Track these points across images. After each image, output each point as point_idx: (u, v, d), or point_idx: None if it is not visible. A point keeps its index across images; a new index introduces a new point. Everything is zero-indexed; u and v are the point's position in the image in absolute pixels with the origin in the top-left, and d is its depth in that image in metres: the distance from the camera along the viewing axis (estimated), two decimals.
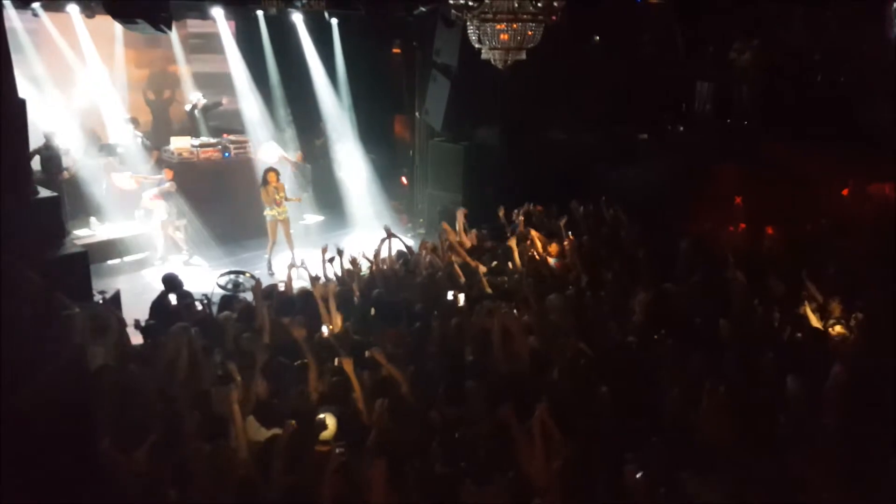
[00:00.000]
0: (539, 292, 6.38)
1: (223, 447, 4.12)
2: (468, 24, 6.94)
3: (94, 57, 11.68)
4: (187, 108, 13.46)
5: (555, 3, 6.54)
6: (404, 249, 8.42)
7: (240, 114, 13.18)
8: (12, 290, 5.25)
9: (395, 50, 13.88)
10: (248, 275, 9.18)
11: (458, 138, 12.17)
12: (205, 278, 9.93)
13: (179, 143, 12.20)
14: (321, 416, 4.44)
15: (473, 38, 7.00)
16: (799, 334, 5.75)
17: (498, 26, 6.75)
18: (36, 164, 10.51)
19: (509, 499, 3.69)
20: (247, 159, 12.58)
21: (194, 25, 13.28)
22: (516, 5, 6.52)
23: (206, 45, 13.65)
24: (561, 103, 11.70)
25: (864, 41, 10.38)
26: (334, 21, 13.13)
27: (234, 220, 12.08)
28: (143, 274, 10.93)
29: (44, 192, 8.08)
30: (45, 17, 10.79)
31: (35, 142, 10.16)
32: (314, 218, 13.12)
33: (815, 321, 6.00)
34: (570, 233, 8.26)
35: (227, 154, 12.46)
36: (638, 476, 3.62)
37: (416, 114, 13.02)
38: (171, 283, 7.07)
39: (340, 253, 7.63)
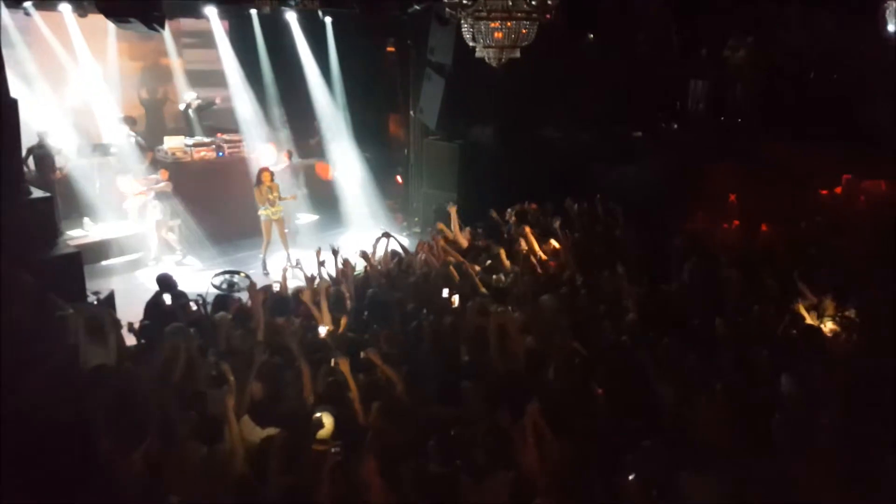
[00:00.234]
0: (534, 291, 6.38)
1: (219, 448, 4.11)
2: (462, 22, 6.92)
3: (87, 55, 11.63)
4: (181, 107, 13.40)
5: (549, 1, 6.52)
6: (399, 249, 8.41)
7: (234, 113, 13.13)
8: (5, 290, 5.22)
9: (390, 48, 13.84)
10: (242, 274, 9.16)
11: (452, 137, 12.15)
12: (199, 278, 9.90)
13: (173, 143, 12.15)
14: (318, 415, 4.44)
15: (468, 36, 6.99)
16: (794, 331, 5.75)
17: (492, 24, 6.73)
18: (29, 163, 10.50)
19: (508, 497, 3.69)
20: (241, 159, 12.54)
21: (188, 23, 13.23)
22: (510, 3, 6.50)
23: (200, 42, 13.59)
24: (556, 102, 11.70)
25: (859, 40, 10.40)
26: (328, 19, 13.11)
27: (229, 219, 12.04)
28: (136, 274, 10.88)
29: (37, 193, 8.04)
30: (36, 15, 10.73)
31: (28, 141, 10.14)
32: (309, 217, 13.09)
33: (809, 319, 6.02)
34: (566, 230, 8.25)
35: (221, 153, 12.41)
36: (631, 477, 3.63)
37: (411, 112, 13.00)
38: (166, 283, 7.05)
39: (336, 252, 7.62)
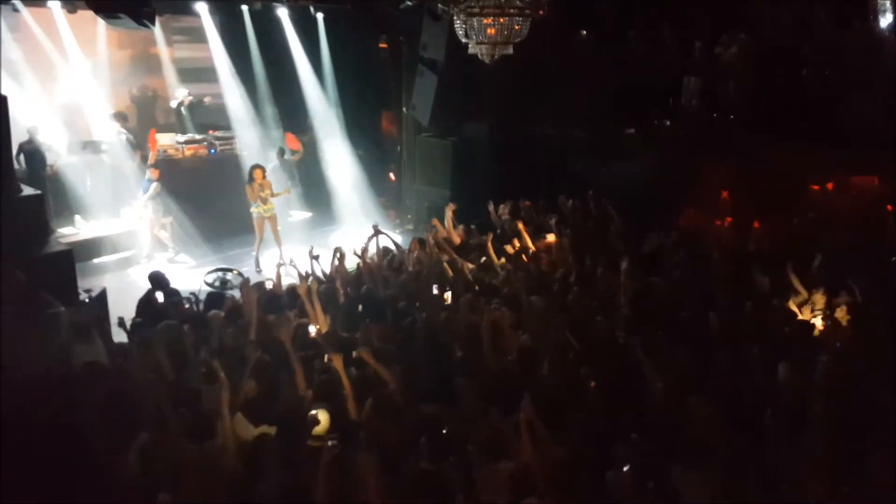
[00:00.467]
0: (527, 287, 6.38)
1: (211, 445, 4.10)
2: (455, 18, 6.92)
3: (77, 52, 11.56)
4: (173, 104, 13.32)
5: None
6: (391, 246, 8.40)
7: (225, 110, 13.09)
8: None
9: (382, 45, 13.80)
10: (235, 272, 9.14)
11: (445, 133, 12.15)
12: (192, 276, 9.87)
13: (164, 140, 12.10)
14: (314, 411, 4.43)
15: (460, 32, 6.99)
16: (786, 327, 5.78)
17: (485, 20, 6.74)
18: (19, 160, 10.44)
19: (504, 494, 3.68)
20: (233, 156, 12.51)
21: (178, 19, 13.15)
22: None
23: (191, 38, 13.49)
24: (548, 98, 11.70)
25: (851, 36, 10.43)
26: (320, 16, 13.08)
27: (221, 216, 11.98)
28: (128, 272, 10.84)
29: (27, 190, 8.00)
30: (25, 11, 10.66)
31: (17, 139, 10.08)
32: (302, 214, 13.06)
33: (801, 314, 6.04)
34: (563, 227, 8.26)
35: (212, 150, 12.37)
36: (625, 470, 3.63)
37: (404, 109, 12.98)
38: (158, 281, 7.03)
39: (339, 253, 7.56)
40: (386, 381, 4.75)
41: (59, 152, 11.31)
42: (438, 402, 4.63)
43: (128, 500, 3.81)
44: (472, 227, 8.88)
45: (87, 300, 7.27)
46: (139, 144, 12.08)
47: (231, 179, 11.99)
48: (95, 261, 10.88)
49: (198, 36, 12.79)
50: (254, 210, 11.03)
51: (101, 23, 11.02)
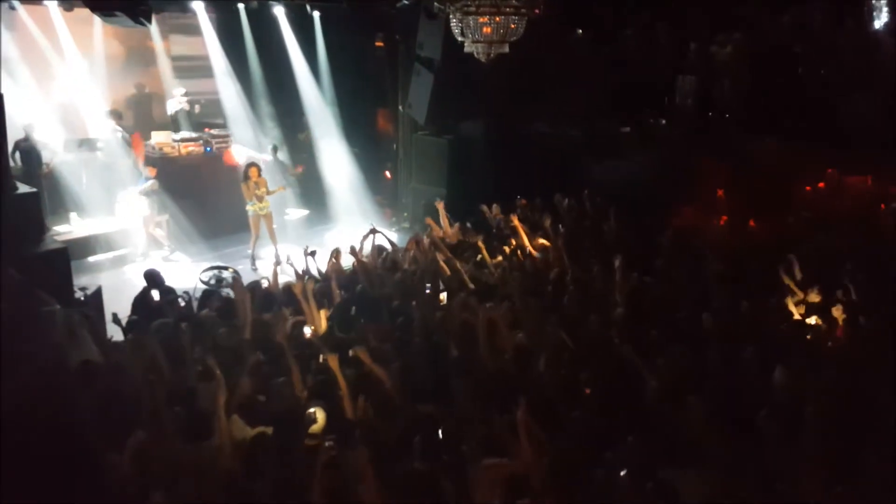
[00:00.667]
0: (523, 286, 6.39)
1: (207, 444, 4.10)
2: (451, 17, 6.93)
3: (73, 49, 11.54)
4: (169, 102, 13.28)
5: None
6: (386, 245, 8.41)
7: (221, 108, 13.06)
8: None
9: (378, 43, 13.79)
10: (231, 270, 9.14)
11: (441, 132, 12.15)
12: (187, 274, 9.87)
13: (160, 138, 12.09)
14: (311, 410, 4.44)
15: (456, 31, 6.99)
16: (782, 327, 5.80)
17: (481, 19, 6.75)
18: (15, 158, 10.41)
19: (500, 494, 3.69)
20: (229, 153, 12.48)
21: (175, 17, 13.11)
22: None
23: (187, 36, 13.46)
24: (544, 97, 11.72)
25: (846, 36, 10.46)
26: (316, 14, 13.06)
27: (217, 214, 11.99)
28: (124, 270, 10.83)
29: (23, 188, 7.98)
30: (21, 9, 10.64)
31: (13, 136, 10.06)
32: (297, 212, 13.06)
33: (796, 313, 6.06)
34: (559, 226, 8.28)
35: (208, 149, 12.35)
36: (622, 473, 3.64)
37: (400, 107, 12.98)
38: (153, 279, 7.03)
39: (335, 252, 7.57)
40: (382, 380, 4.76)
41: (55, 150, 11.29)
42: (434, 401, 4.64)
43: (122, 500, 3.81)
44: (468, 225, 8.90)
45: (82, 298, 7.27)
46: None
47: (226, 177, 11.99)
48: (91, 259, 10.86)
49: (194, 34, 12.77)
50: (249, 208, 11.03)
51: (97, 21, 11.00)
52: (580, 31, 12.52)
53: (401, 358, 5.16)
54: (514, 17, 6.73)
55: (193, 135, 12.49)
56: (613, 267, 6.50)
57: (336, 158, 13.88)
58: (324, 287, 6.76)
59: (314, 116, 13.83)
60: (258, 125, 13.39)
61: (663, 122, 11.78)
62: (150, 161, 11.64)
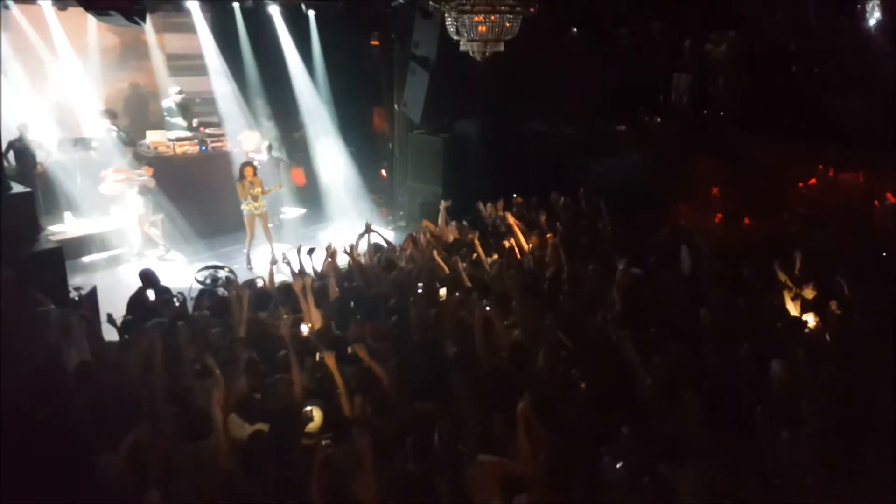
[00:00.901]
0: (519, 284, 6.39)
1: (204, 443, 4.10)
2: (446, 15, 6.93)
3: (67, 49, 11.51)
4: (165, 102, 13.24)
5: None
6: (382, 243, 8.40)
7: (216, 107, 13.03)
8: None
9: (374, 42, 13.79)
10: (226, 269, 9.12)
11: (437, 131, 12.16)
12: (183, 273, 9.85)
13: (155, 137, 12.04)
14: (308, 408, 4.44)
15: (452, 29, 7.00)
16: (779, 324, 5.81)
17: (476, 18, 6.75)
18: (9, 158, 10.38)
19: (496, 491, 3.69)
20: (224, 153, 12.46)
21: (170, 16, 13.09)
22: None
23: (182, 35, 13.40)
24: (540, 95, 11.72)
25: (840, 34, 10.49)
26: (311, 13, 13.04)
27: (213, 214, 11.96)
28: (119, 270, 10.81)
29: (17, 188, 7.96)
30: (15, 8, 10.60)
31: (7, 136, 10.04)
32: (293, 211, 13.04)
33: (793, 310, 6.08)
34: (556, 224, 8.29)
35: (203, 148, 12.32)
36: (618, 466, 3.65)
37: (395, 106, 12.97)
38: (148, 278, 7.01)
39: (331, 250, 7.56)
40: (380, 378, 4.76)
41: (50, 150, 11.25)
42: (432, 398, 4.64)
43: (120, 500, 3.81)
44: (465, 223, 8.91)
45: (77, 298, 7.25)
46: (132, 141, 12.02)
47: (222, 176, 11.95)
48: (86, 258, 10.84)
49: (189, 33, 12.74)
50: (244, 207, 11.02)
51: (91, 20, 10.96)
52: (575, 29, 12.53)
53: (398, 355, 5.16)
54: (509, 15, 6.74)
55: (188, 134, 12.46)
56: (610, 265, 6.51)
57: (332, 157, 13.87)
58: (321, 285, 6.75)
59: (310, 115, 13.81)
60: (253, 124, 13.36)
61: (659, 120, 11.79)
62: (145, 160, 11.61)
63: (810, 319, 5.96)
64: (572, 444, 4.04)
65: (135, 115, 13.40)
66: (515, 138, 11.67)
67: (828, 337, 5.63)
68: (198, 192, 11.96)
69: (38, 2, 10.37)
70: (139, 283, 7.00)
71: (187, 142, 12.20)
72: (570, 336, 5.37)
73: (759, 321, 5.78)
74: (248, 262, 11.06)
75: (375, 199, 13.92)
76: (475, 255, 7.68)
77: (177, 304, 6.78)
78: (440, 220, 8.90)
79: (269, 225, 11.39)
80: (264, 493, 3.79)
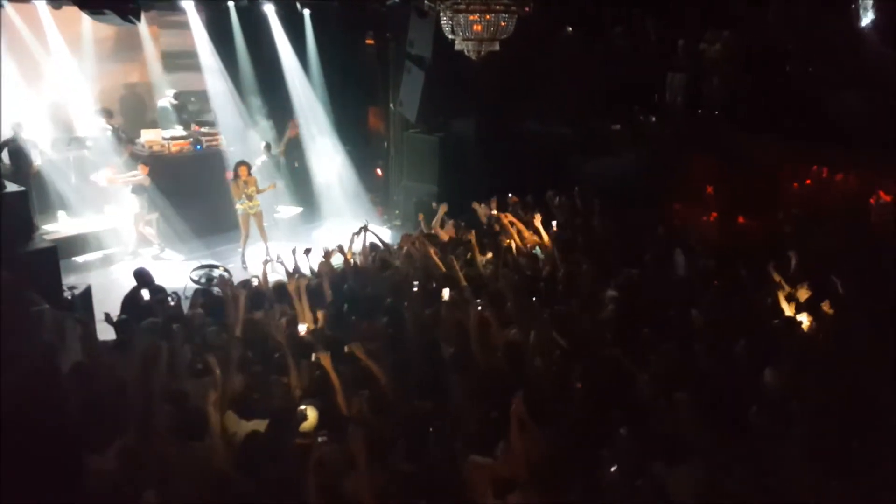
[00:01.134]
0: (515, 283, 6.39)
1: (200, 443, 4.10)
2: (441, 14, 6.93)
3: (62, 47, 11.48)
4: (160, 102, 13.21)
5: None
6: (378, 243, 8.40)
7: (211, 106, 13.01)
8: None
9: (369, 41, 13.78)
10: (221, 268, 9.12)
11: (432, 130, 12.16)
12: (178, 272, 9.83)
13: (150, 136, 12.02)
14: (302, 407, 4.44)
15: (447, 29, 6.99)
16: (776, 321, 5.82)
17: (471, 17, 6.75)
18: (3, 157, 10.35)
19: (489, 489, 3.70)
20: (219, 152, 12.44)
21: (165, 15, 13.06)
22: None
23: (177, 33, 13.37)
24: (535, 94, 11.72)
25: (834, 33, 10.50)
26: (307, 12, 13.01)
27: (208, 213, 11.94)
28: (113, 269, 10.79)
29: (11, 187, 7.93)
30: (9, 7, 10.56)
31: (1, 135, 10.01)
32: (289, 210, 13.03)
33: (787, 309, 6.09)
34: (551, 223, 8.29)
35: (198, 147, 12.30)
36: (613, 469, 3.65)
37: (391, 105, 12.97)
38: (143, 278, 7.00)
39: (326, 250, 7.55)
40: (376, 377, 4.76)
41: (44, 150, 11.21)
42: (429, 397, 4.64)
43: (115, 500, 3.80)
44: (462, 223, 8.91)
45: (71, 297, 7.23)
46: (129, 139, 11.99)
47: (217, 175, 11.93)
48: (80, 258, 10.82)
49: (184, 31, 12.70)
50: (239, 207, 11.01)
51: (86, 19, 10.93)
52: (570, 28, 12.52)
53: (394, 354, 5.16)
54: (504, 14, 6.73)
55: (183, 133, 12.43)
56: (605, 264, 6.52)
57: (327, 156, 13.85)
58: (316, 285, 6.75)
59: (305, 114, 13.78)
60: (249, 123, 13.33)
61: (654, 119, 11.80)
62: (140, 159, 11.58)
63: (804, 319, 5.97)
64: (566, 442, 4.05)
65: (130, 114, 13.37)
66: (511, 137, 11.67)
67: (821, 336, 5.63)
68: (193, 190, 11.93)
69: (33, 0, 10.32)
70: (134, 283, 6.98)
71: (182, 141, 12.17)
72: (565, 335, 5.38)
73: (754, 320, 5.78)
74: (243, 262, 11.05)
75: (371, 199, 13.91)
76: (469, 255, 7.69)
77: (171, 303, 6.77)
78: (435, 222, 8.90)
79: (265, 224, 11.37)
80: (260, 493, 3.79)
